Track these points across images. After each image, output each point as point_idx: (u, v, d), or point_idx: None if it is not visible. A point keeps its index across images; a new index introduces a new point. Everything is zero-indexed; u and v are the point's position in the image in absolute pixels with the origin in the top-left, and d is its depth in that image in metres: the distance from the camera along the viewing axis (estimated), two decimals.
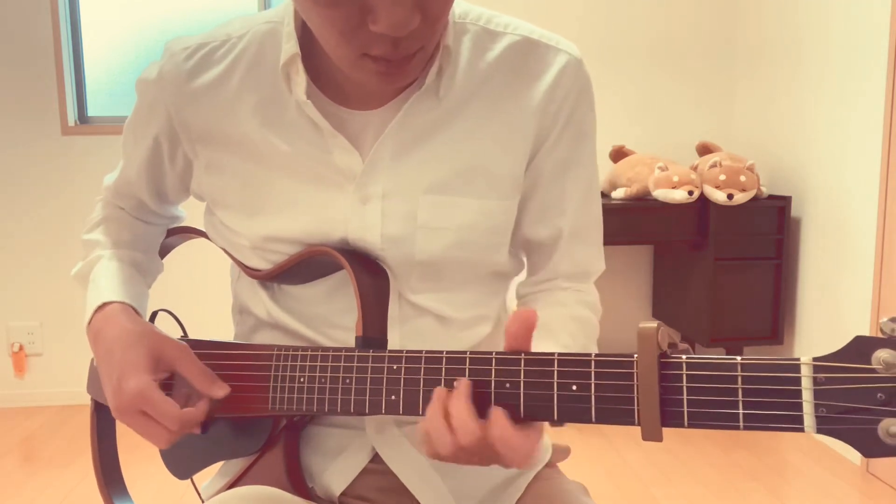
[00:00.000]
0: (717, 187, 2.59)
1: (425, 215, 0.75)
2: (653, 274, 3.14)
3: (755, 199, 2.63)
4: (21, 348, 3.01)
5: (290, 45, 0.73)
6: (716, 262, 2.63)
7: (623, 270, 3.13)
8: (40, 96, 2.91)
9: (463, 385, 0.60)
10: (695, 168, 2.72)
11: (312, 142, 0.74)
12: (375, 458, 0.80)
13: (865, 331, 2.33)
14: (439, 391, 0.61)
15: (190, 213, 0.99)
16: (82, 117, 3.00)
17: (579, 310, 0.81)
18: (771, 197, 2.70)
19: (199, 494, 0.90)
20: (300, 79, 0.73)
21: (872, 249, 2.30)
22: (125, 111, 3.05)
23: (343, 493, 0.81)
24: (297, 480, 0.78)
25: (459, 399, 0.59)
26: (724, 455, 2.43)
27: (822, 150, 2.57)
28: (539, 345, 0.72)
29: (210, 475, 0.89)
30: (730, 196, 2.57)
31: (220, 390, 0.74)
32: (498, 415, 0.58)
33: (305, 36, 0.73)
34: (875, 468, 2.30)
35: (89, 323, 0.79)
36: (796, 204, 2.69)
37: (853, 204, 2.41)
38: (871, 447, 0.47)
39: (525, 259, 0.86)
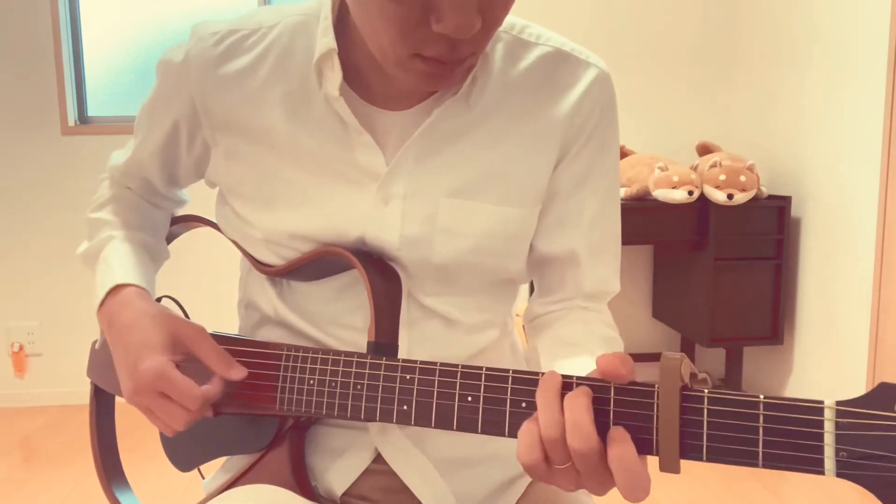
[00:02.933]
0: (717, 187, 2.59)
1: (445, 219, 0.75)
2: (653, 274, 3.14)
3: (755, 199, 2.63)
4: (21, 348, 3.01)
5: (327, 39, 0.72)
6: (716, 262, 2.63)
7: (623, 270, 3.11)
8: (40, 96, 2.91)
9: (582, 388, 0.56)
10: (695, 168, 2.72)
11: (337, 138, 0.74)
12: (378, 459, 0.80)
13: (865, 331, 2.33)
14: (551, 377, 0.56)
15: (196, 201, 0.98)
16: (82, 117, 3.00)
17: (605, 330, 0.80)
18: (771, 197, 2.70)
19: (202, 476, 0.90)
20: (335, 74, 0.72)
21: (872, 249, 2.30)
22: (125, 111, 3.05)
23: (345, 493, 0.80)
24: (301, 480, 0.78)
25: (580, 398, 0.55)
26: None
27: (822, 150, 2.57)
28: (576, 361, 0.72)
29: (213, 470, 0.89)
30: (730, 196, 2.57)
31: (238, 373, 0.73)
32: (622, 432, 0.54)
33: (339, 31, 0.73)
34: None
35: (101, 304, 0.78)
36: (796, 204, 2.69)
37: (853, 204, 2.41)
38: (892, 495, 0.47)
39: (537, 277, 0.84)
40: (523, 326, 0.87)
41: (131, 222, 0.88)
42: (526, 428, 0.56)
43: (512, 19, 0.77)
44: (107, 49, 3.03)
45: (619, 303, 3.12)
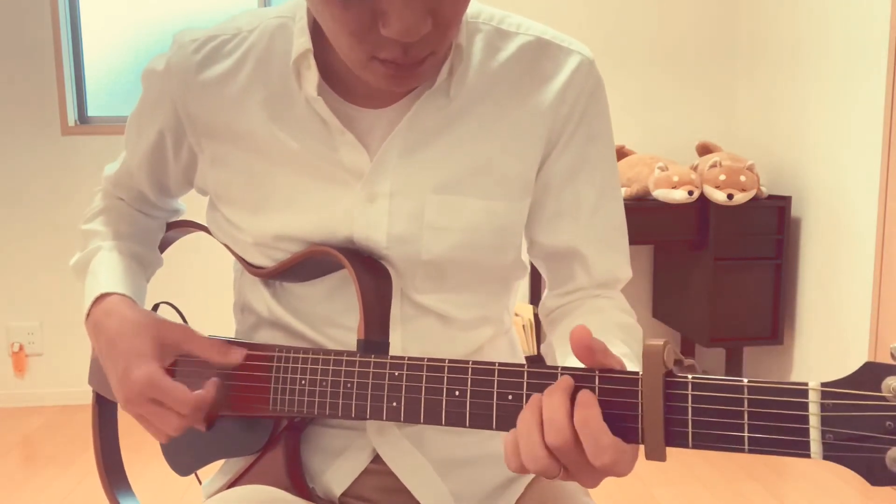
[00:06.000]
0: (717, 187, 2.59)
1: (432, 215, 0.74)
2: (653, 274, 3.14)
3: (755, 199, 2.62)
4: (21, 348, 3.01)
5: (302, 41, 0.72)
6: (716, 262, 2.62)
7: None
8: (40, 96, 2.91)
9: (563, 380, 0.56)
10: (695, 168, 2.72)
11: (320, 139, 0.74)
12: (376, 459, 0.80)
13: (865, 331, 2.33)
14: (535, 396, 0.56)
15: (190, 206, 0.98)
16: (82, 117, 3.00)
17: (621, 316, 0.79)
18: (771, 197, 2.70)
19: (199, 482, 0.90)
20: (311, 74, 0.72)
21: (872, 249, 2.30)
22: (125, 111, 3.05)
23: (344, 494, 0.80)
24: (297, 480, 0.78)
25: (554, 394, 0.55)
26: (723, 455, 2.42)
27: (822, 150, 2.57)
28: None
29: (211, 473, 0.89)
30: (730, 196, 2.57)
31: (236, 355, 0.73)
32: (589, 396, 0.54)
33: (316, 32, 0.73)
34: None
35: (88, 315, 0.78)
36: (796, 204, 2.69)
37: (853, 204, 2.41)
38: (879, 476, 0.47)
39: (545, 270, 0.84)
40: (531, 322, 0.87)
41: (121, 232, 0.88)
42: (509, 437, 0.56)
43: (492, 10, 0.77)
44: (107, 49, 3.03)
45: None
